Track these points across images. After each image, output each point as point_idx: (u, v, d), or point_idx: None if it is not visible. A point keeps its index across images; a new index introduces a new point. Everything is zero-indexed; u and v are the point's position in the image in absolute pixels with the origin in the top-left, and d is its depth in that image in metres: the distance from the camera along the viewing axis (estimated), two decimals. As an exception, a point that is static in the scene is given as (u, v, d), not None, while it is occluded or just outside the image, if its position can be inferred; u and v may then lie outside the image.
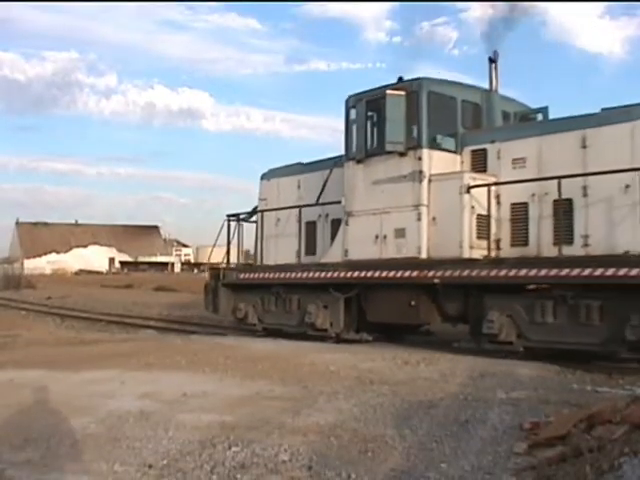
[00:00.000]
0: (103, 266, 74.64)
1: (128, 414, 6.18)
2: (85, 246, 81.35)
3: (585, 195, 9.40)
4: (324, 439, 5.35)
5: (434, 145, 10.84)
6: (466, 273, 9.92)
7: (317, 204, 12.75)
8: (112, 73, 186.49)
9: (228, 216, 14.40)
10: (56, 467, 4.77)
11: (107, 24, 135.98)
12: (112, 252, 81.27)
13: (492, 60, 11.74)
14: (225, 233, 14.28)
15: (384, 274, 10.94)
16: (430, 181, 10.63)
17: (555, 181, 9.30)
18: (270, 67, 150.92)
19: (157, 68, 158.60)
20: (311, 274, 12.15)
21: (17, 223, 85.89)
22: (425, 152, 10.71)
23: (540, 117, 11.81)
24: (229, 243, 14.41)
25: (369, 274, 11.17)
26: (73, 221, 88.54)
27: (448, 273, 10.09)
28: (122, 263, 77.58)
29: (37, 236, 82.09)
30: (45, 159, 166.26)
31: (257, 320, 13.56)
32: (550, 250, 9.58)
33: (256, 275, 13.49)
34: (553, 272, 9.08)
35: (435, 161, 10.76)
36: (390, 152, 10.94)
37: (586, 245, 9.38)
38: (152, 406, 6.57)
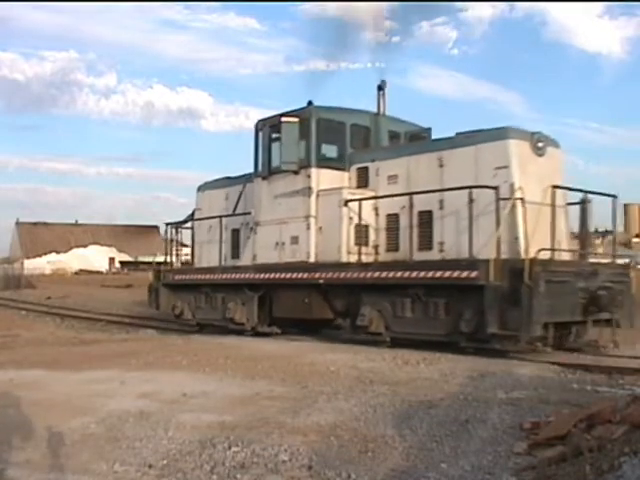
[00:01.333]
0: (103, 266, 74.55)
1: (128, 414, 6.18)
2: (85, 246, 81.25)
3: (441, 208, 10.85)
4: (324, 439, 5.36)
5: (322, 164, 12.41)
6: (343, 275, 11.60)
7: (233, 214, 14.47)
8: (111, 73, 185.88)
9: (166, 224, 16.51)
10: (56, 467, 4.78)
11: (106, 24, 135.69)
12: (112, 252, 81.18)
13: (380, 88, 13.20)
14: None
15: (282, 275, 12.68)
16: (318, 196, 12.25)
17: (419, 194, 10.90)
18: (269, 67, 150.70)
19: (156, 68, 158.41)
20: (230, 275, 13.93)
21: (17, 223, 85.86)
22: (314, 171, 12.29)
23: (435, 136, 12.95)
24: (167, 248, 16.22)
25: (272, 275, 12.91)
26: (73, 221, 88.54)
27: (330, 275, 11.76)
28: (122, 263, 77.51)
29: (37, 236, 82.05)
30: (45, 159, 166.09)
31: (191, 316, 15.25)
32: (415, 255, 10.93)
33: (188, 276, 15.43)
34: (406, 274, 10.69)
35: (323, 178, 12.33)
36: (286, 170, 12.50)
37: (442, 251, 10.83)
38: (152, 406, 6.57)
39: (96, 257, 78.63)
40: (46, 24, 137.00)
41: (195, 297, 15.03)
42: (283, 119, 12.34)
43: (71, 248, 79.72)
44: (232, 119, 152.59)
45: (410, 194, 10.95)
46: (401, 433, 5.52)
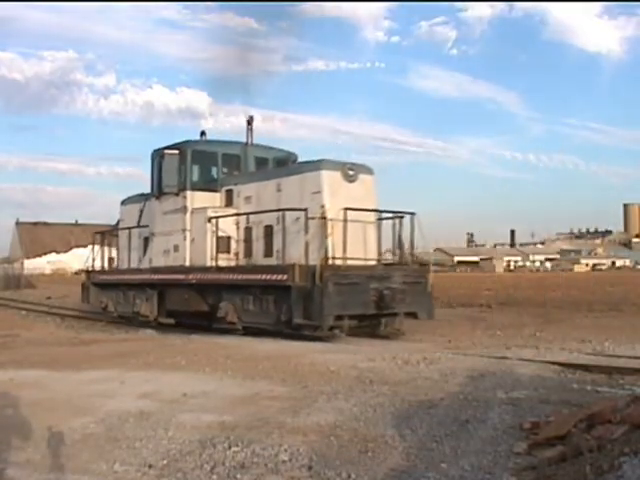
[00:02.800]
0: (103, 266, 74.39)
1: (128, 414, 6.19)
2: (85, 246, 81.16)
3: (279, 223, 13.04)
4: (324, 439, 5.36)
5: (197, 187, 15.09)
6: (207, 276, 14.24)
7: (138, 226, 16.97)
8: (111, 73, 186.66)
9: (95, 233, 20.31)
10: (56, 467, 4.78)
11: (105, 24, 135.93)
12: (112, 252, 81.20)
13: (248, 122, 15.95)
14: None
15: (169, 277, 15.51)
16: (192, 213, 14.90)
17: (265, 212, 13.45)
18: (268, 67, 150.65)
19: (156, 67, 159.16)
20: (136, 276, 16.78)
21: (17, 223, 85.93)
22: (189, 193, 14.97)
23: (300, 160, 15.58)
24: (94, 252, 19.58)
25: (162, 277, 15.76)
26: (73, 221, 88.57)
27: (199, 276, 14.49)
28: (122, 263, 77.45)
29: (37, 236, 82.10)
30: (45, 159, 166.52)
31: (114, 309, 18.01)
32: (262, 260, 13.60)
33: (108, 277, 18.59)
34: (245, 276, 13.38)
35: (197, 199, 14.95)
36: (169, 192, 15.23)
37: (279, 258, 12.95)
38: (152, 406, 6.57)
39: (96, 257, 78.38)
40: (45, 24, 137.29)
41: (116, 294, 17.89)
42: (166, 151, 15.07)
43: (71, 248, 79.65)
44: (232, 119, 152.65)
45: (248, 214, 13.89)
46: (401, 433, 5.52)
